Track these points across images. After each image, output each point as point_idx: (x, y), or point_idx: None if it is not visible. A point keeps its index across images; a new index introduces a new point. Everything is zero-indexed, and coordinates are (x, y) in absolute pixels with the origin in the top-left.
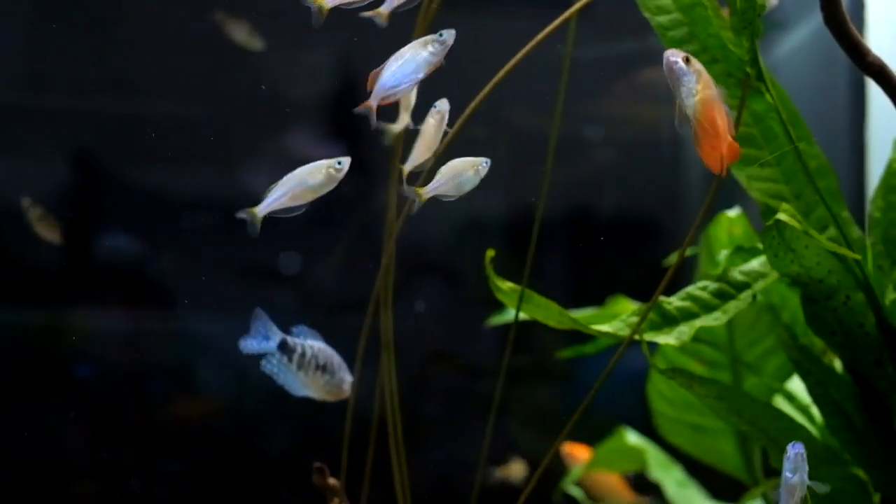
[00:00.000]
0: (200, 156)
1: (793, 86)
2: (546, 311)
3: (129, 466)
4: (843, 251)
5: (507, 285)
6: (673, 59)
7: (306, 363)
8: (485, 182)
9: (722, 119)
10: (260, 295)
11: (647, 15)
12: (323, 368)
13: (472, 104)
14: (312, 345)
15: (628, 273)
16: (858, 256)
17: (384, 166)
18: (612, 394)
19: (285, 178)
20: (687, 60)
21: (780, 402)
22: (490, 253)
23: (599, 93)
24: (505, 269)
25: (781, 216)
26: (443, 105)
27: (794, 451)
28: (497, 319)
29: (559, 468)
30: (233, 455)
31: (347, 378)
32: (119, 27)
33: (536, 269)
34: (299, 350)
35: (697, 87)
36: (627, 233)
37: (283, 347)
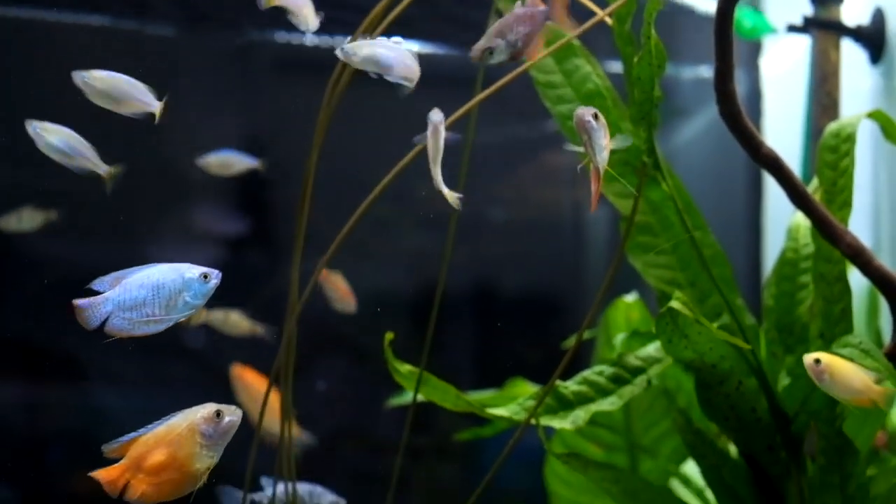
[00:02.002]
0: (102, 229)
1: (691, 173)
2: (443, 394)
3: None
4: (734, 340)
5: (405, 368)
6: (586, 118)
7: None
8: (391, 258)
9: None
10: (161, 369)
11: (547, 104)
12: None
13: (382, 184)
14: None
15: (530, 353)
16: (748, 346)
17: (289, 240)
18: (512, 475)
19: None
20: (595, 117)
21: (676, 486)
22: (389, 335)
23: (505, 175)
24: (409, 347)
25: (674, 304)
26: (435, 115)
27: None
28: (397, 401)
29: None
30: None
31: (327, 500)
32: (18, 95)
33: (439, 348)
34: (265, 503)
35: (605, 141)
36: (530, 313)
37: None
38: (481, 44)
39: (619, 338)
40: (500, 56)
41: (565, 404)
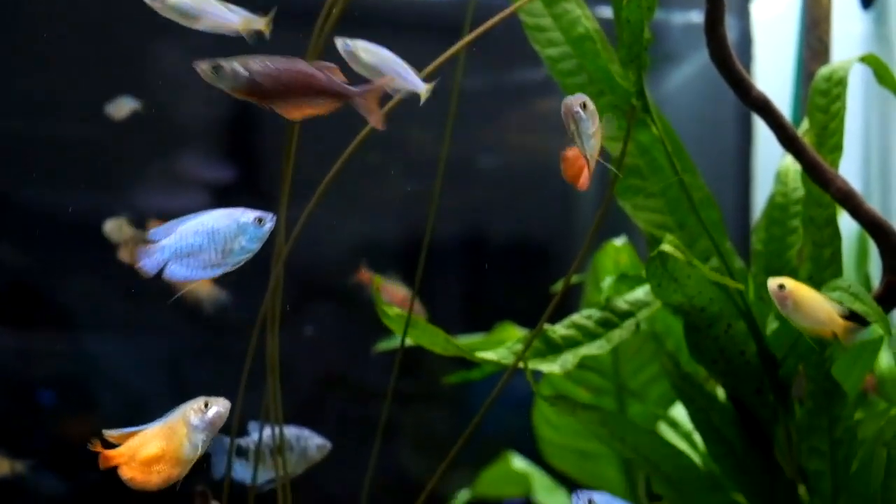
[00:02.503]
0: (90, 175)
1: (681, 119)
2: (432, 338)
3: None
4: (725, 280)
5: (393, 311)
6: (574, 108)
7: (261, 454)
8: (380, 205)
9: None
10: (149, 315)
11: (536, 48)
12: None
13: (366, 128)
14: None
15: (519, 299)
16: (741, 286)
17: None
18: (500, 418)
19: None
20: (584, 106)
21: (664, 429)
22: (377, 280)
23: (494, 121)
24: None
25: (665, 247)
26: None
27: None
28: (385, 345)
29: (446, 491)
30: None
31: (313, 444)
32: (5, 46)
33: (428, 295)
34: (252, 447)
35: (593, 129)
36: (518, 259)
37: (239, 452)
38: None
39: (608, 281)
40: None
41: (554, 348)
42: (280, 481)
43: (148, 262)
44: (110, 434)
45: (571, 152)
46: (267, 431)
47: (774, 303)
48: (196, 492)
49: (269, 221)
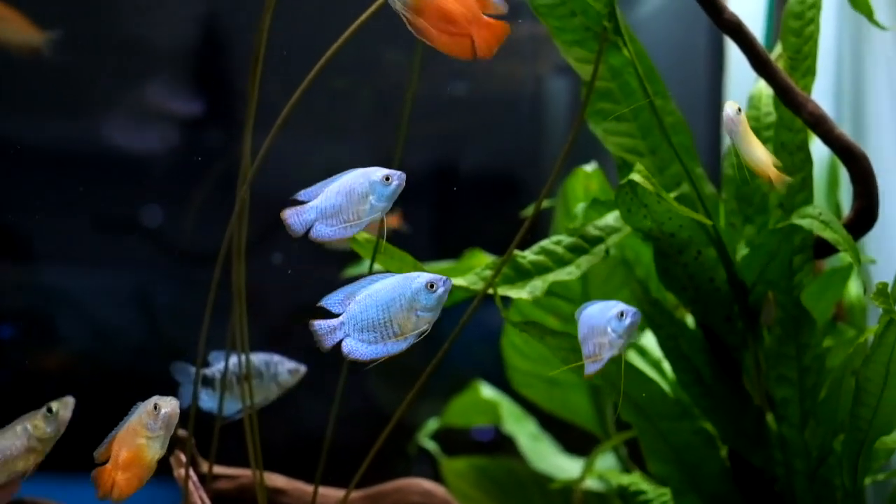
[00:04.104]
0: (55, 105)
1: (654, 44)
2: (400, 263)
3: None
4: (694, 215)
5: (362, 236)
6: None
7: (228, 384)
8: (348, 133)
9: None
10: (117, 247)
11: None
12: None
13: (329, 52)
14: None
15: (489, 226)
16: (709, 222)
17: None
18: (470, 349)
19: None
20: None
21: (633, 356)
22: None
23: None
24: None
25: (634, 177)
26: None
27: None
28: (352, 271)
29: (415, 421)
30: (90, 408)
31: (284, 369)
32: None
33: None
34: (217, 377)
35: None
36: (489, 185)
37: (206, 382)
38: None
39: (578, 207)
40: None
41: (523, 274)
42: (246, 410)
43: (296, 223)
44: (99, 452)
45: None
46: (233, 360)
47: (723, 124)
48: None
49: (396, 179)
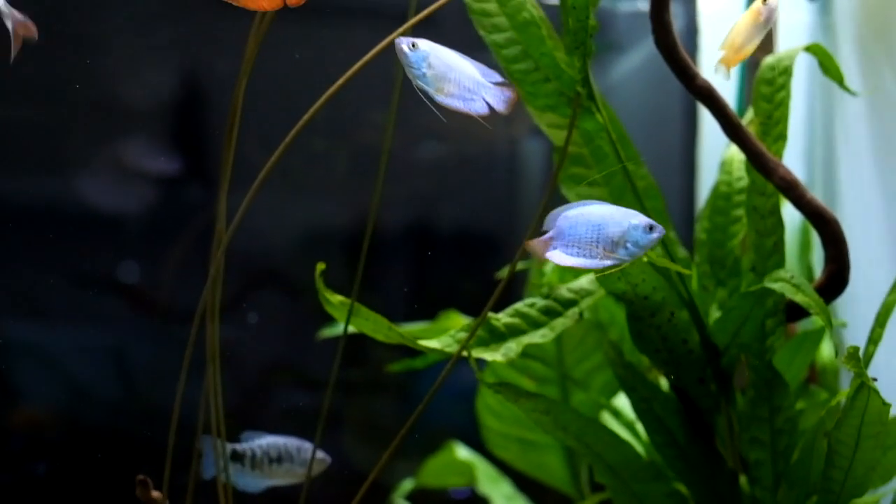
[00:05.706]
0: (32, 161)
1: (627, 108)
2: (375, 325)
3: None
4: (669, 264)
5: (336, 298)
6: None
7: (258, 462)
8: (324, 193)
9: None
10: (94, 303)
11: (482, 33)
12: (279, 460)
13: (310, 111)
14: (261, 443)
15: (464, 287)
16: (686, 271)
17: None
18: (445, 408)
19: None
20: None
21: (607, 418)
22: (320, 266)
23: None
24: (343, 283)
25: None
26: None
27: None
28: (328, 332)
29: (389, 481)
30: (60, 468)
31: (308, 456)
32: None
33: (373, 283)
34: (249, 454)
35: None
36: (463, 246)
37: (234, 456)
38: None
39: (548, 267)
40: None
41: (497, 336)
42: (220, 480)
43: (540, 251)
44: None
45: None
46: (266, 440)
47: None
48: (137, 480)
49: (657, 232)
